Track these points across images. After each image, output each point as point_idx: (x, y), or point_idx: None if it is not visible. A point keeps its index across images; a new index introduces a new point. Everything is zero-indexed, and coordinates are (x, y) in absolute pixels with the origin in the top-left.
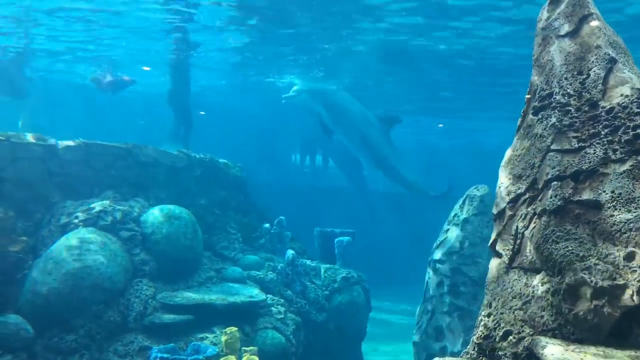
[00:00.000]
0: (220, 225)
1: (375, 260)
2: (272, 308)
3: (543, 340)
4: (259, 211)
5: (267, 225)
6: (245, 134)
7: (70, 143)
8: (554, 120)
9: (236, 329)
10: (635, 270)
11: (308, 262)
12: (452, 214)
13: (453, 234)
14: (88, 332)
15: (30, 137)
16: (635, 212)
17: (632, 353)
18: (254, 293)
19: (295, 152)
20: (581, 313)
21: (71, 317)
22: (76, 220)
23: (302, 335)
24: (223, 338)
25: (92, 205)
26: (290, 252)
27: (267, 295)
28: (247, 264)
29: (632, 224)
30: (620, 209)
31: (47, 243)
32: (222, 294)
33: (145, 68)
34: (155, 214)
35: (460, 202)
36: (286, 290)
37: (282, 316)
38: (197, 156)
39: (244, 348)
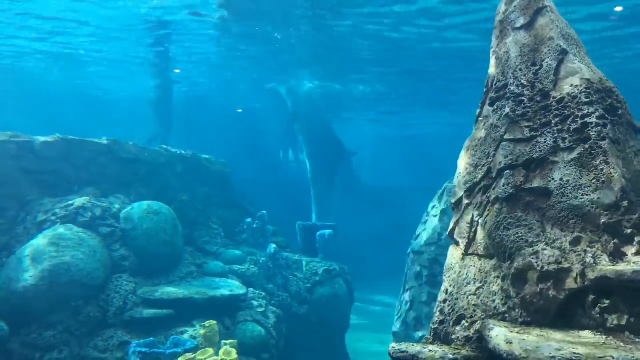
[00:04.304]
0: (202, 220)
1: (360, 253)
2: (253, 301)
3: (491, 323)
4: (242, 206)
5: (249, 220)
6: (234, 132)
7: (48, 139)
8: (507, 110)
9: (215, 322)
10: (580, 255)
11: (290, 255)
12: (431, 205)
13: (431, 225)
14: (67, 328)
15: (2, 135)
16: (582, 199)
17: (575, 333)
18: (235, 287)
19: (280, 147)
20: (528, 297)
21: (49, 313)
22: (54, 217)
23: (283, 327)
24: (202, 331)
25: (71, 202)
26: (271, 246)
27: (249, 289)
28: (229, 259)
29: (578, 210)
30: (568, 196)
31: (22, 240)
32: (202, 289)
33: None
34: (135, 210)
35: (439, 194)
36: (268, 284)
37: (263, 309)
38: (179, 152)
39: (223, 341)
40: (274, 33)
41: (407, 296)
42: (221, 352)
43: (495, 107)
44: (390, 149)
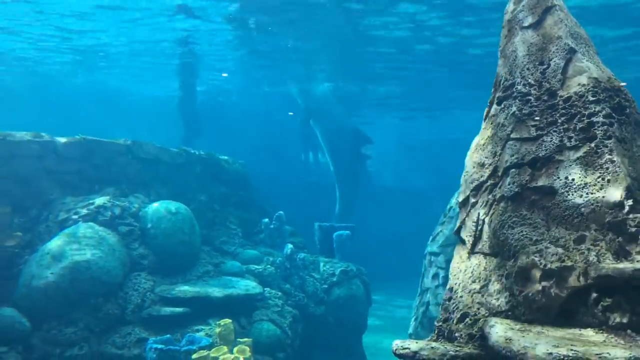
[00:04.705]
0: (220, 220)
1: (378, 254)
2: (270, 301)
3: (492, 320)
4: (260, 207)
5: (266, 220)
6: (258, 134)
7: (70, 139)
8: (514, 109)
9: (230, 320)
10: (584, 253)
11: (307, 256)
12: (448, 207)
13: (448, 226)
14: (87, 325)
15: (26, 135)
16: (586, 197)
17: (576, 331)
18: (251, 286)
19: (301, 149)
20: (530, 294)
21: (70, 310)
22: (75, 216)
23: (299, 327)
24: (217, 330)
25: (92, 201)
26: (288, 247)
27: (265, 289)
28: (246, 258)
29: (583, 209)
30: (573, 194)
31: (44, 238)
32: (218, 287)
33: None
34: (153, 210)
35: (456, 195)
36: (285, 284)
37: (279, 309)
38: (197, 153)
39: (238, 339)
40: (289, 39)
41: (423, 297)
42: (235, 350)
43: (502, 106)
44: (410, 152)
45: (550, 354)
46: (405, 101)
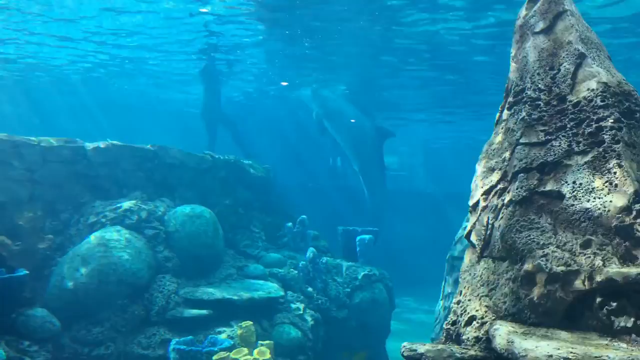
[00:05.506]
0: (243, 224)
1: (402, 259)
2: (292, 304)
3: (498, 323)
4: (284, 211)
5: (289, 224)
6: (285, 140)
7: (99, 145)
8: (523, 114)
9: (251, 323)
10: (589, 257)
11: (330, 260)
12: None
13: None
14: (113, 325)
15: (58, 141)
16: (594, 202)
17: (580, 335)
18: (273, 289)
19: (330, 153)
20: (536, 298)
21: (97, 310)
22: (104, 220)
23: (321, 331)
24: (239, 332)
25: (119, 205)
26: (311, 250)
27: (287, 292)
28: (269, 262)
29: (590, 213)
30: (580, 199)
31: (74, 241)
32: (241, 290)
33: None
34: (178, 213)
35: None
36: (307, 287)
37: (300, 312)
38: (222, 158)
39: (260, 342)
40: (305, 41)
41: (445, 302)
42: (255, 351)
43: (512, 111)
44: (438, 155)
45: (550, 356)
46: (433, 105)
